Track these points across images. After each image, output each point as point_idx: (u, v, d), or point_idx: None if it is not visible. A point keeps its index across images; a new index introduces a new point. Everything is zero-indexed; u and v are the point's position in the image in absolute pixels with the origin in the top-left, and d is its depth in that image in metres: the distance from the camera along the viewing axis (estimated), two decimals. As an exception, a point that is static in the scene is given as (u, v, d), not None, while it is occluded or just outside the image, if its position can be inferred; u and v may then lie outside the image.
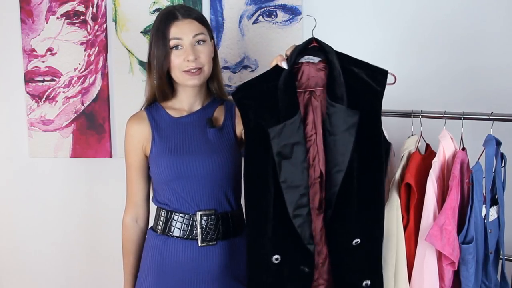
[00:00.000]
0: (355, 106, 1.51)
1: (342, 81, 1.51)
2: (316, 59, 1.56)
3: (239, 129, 1.76)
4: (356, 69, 1.53)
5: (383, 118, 1.77)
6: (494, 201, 1.65)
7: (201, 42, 1.66)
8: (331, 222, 1.54)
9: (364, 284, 1.56)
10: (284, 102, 1.51)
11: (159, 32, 1.65)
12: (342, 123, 1.51)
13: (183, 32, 1.64)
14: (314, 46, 1.56)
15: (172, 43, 1.64)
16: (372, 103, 1.54)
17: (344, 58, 1.54)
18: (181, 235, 1.69)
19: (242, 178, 1.61)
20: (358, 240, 1.54)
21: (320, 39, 1.56)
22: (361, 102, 1.52)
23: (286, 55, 1.57)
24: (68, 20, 2.31)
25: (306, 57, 1.56)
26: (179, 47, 1.65)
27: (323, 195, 1.56)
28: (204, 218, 1.68)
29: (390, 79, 1.55)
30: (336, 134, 1.51)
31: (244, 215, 1.81)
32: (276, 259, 1.54)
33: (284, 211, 1.50)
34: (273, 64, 1.56)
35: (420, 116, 1.73)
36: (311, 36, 1.56)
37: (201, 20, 1.70)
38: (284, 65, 1.53)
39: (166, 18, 1.66)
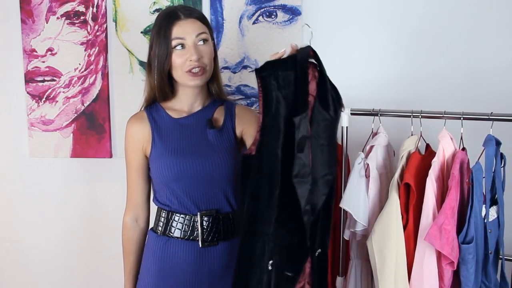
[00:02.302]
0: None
1: (332, 93, 1.52)
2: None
3: (239, 129, 1.75)
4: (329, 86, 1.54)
5: (383, 118, 1.78)
6: (493, 201, 1.66)
7: (204, 41, 1.66)
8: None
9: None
10: (300, 94, 1.47)
11: (160, 32, 1.65)
12: (331, 131, 1.53)
13: (186, 31, 1.63)
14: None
15: (174, 42, 1.63)
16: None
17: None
18: (181, 236, 1.68)
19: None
20: (320, 250, 1.60)
21: (319, 43, 1.56)
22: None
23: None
24: (68, 20, 2.31)
25: (311, 59, 1.53)
26: (182, 47, 1.64)
27: None
28: (205, 219, 1.67)
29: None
30: (324, 141, 1.51)
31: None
32: (272, 264, 1.48)
33: (286, 210, 1.47)
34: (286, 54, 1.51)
35: (420, 116, 1.73)
36: (309, 45, 1.52)
37: (203, 19, 1.69)
38: (288, 51, 1.49)
39: (168, 18, 1.65)
